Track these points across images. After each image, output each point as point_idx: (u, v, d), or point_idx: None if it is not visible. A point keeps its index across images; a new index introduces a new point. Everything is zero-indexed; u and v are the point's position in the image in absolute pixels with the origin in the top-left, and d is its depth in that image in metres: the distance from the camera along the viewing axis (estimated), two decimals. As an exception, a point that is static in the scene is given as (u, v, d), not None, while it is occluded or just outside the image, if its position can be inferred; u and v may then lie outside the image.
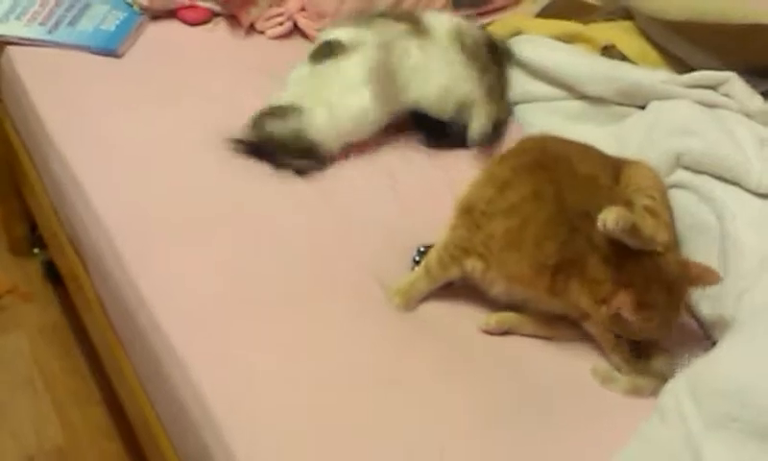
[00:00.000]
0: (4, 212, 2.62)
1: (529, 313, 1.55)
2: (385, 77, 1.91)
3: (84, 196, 1.84)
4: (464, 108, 1.94)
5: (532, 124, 2.03)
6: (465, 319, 1.58)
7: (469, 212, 1.57)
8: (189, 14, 2.34)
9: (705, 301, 1.57)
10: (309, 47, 2.06)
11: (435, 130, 1.98)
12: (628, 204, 1.50)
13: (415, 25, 1.99)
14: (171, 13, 2.34)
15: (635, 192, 1.54)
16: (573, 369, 1.50)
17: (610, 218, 1.37)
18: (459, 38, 2.00)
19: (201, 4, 2.33)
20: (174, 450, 1.58)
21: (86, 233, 1.85)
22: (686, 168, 1.74)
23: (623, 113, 1.93)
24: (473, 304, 1.60)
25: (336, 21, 2.16)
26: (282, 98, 1.95)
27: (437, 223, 1.65)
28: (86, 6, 2.32)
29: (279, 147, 1.87)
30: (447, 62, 1.96)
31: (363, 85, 1.90)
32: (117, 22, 2.27)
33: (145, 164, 1.88)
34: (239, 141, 1.90)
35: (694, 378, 1.36)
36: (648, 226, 1.46)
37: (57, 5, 2.30)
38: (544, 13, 2.34)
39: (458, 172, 1.81)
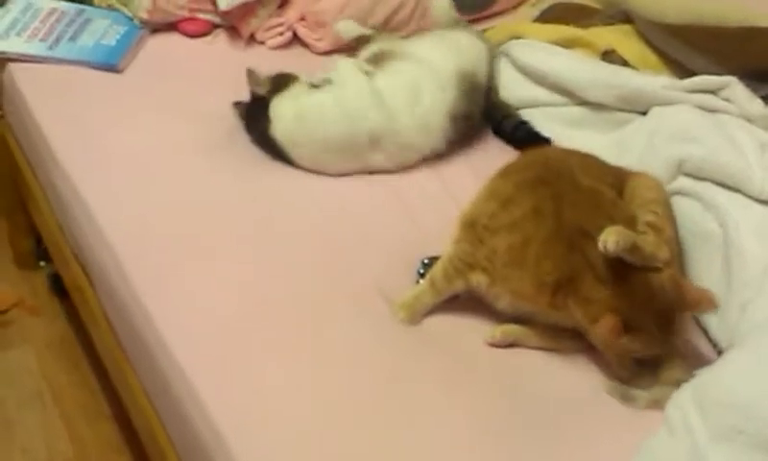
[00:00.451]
0: (9, 226, 2.63)
1: (534, 326, 1.56)
2: None
3: (88, 212, 1.85)
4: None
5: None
6: (470, 332, 1.59)
7: (473, 227, 1.58)
8: (189, 27, 2.35)
9: (709, 309, 1.57)
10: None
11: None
12: (631, 219, 1.51)
13: None
14: (171, 26, 2.35)
15: (638, 207, 1.54)
16: (578, 382, 1.51)
17: (610, 239, 1.38)
18: None
19: (201, 16, 2.34)
20: (183, 466, 1.59)
21: (91, 250, 1.86)
22: (688, 175, 1.74)
23: (624, 119, 1.93)
24: (478, 317, 1.61)
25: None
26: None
27: (441, 236, 1.65)
28: (87, 21, 2.32)
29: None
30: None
31: None
32: (118, 37, 2.28)
33: (149, 180, 1.89)
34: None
35: (700, 391, 1.36)
36: (649, 243, 1.46)
37: (57, 21, 2.31)
38: (543, 18, 2.35)
39: (461, 185, 1.82)
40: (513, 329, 1.56)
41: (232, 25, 2.34)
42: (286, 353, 1.53)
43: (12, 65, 2.23)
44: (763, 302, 1.51)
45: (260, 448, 1.40)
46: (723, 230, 1.63)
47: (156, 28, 2.34)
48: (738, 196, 1.67)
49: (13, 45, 2.25)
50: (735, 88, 1.85)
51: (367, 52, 2.11)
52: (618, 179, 1.62)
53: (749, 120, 1.82)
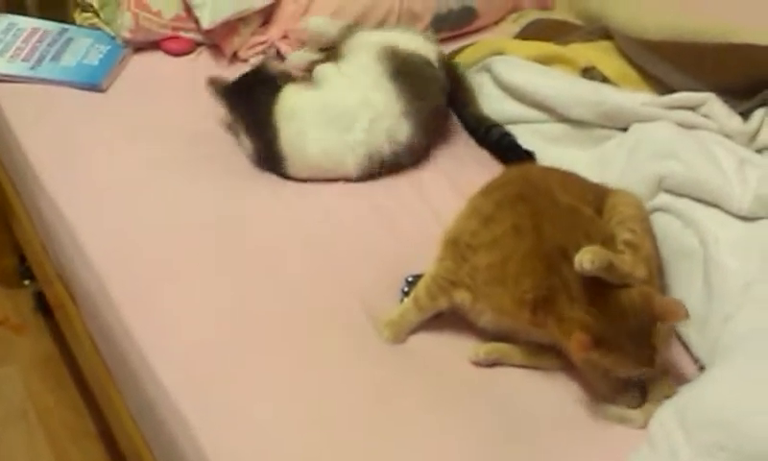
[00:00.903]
0: (-7, 245, 2.63)
1: (518, 343, 1.57)
2: None
3: (72, 234, 1.85)
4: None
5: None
6: (454, 349, 1.59)
7: (455, 244, 1.59)
8: (172, 45, 2.35)
9: (691, 325, 1.58)
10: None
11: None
12: (609, 237, 1.52)
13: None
14: (154, 45, 2.36)
15: (617, 225, 1.55)
16: (562, 399, 1.51)
17: (585, 259, 1.39)
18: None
19: (183, 35, 2.35)
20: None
21: (75, 272, 1.86)
22: (668, 191, 1.75)
23: (605, 136, 1.95)
24: (463, 335, 1.61)
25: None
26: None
27: (424, 253, 1.66)
28: (69, 40, 2.33)
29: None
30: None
31: None
32: (100, 56, 2.28)
33: (132, 200, 1.89)
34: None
35: (682, 408, 1.37)
36: (626, 262, 1.47)
37: (39, 41, 2.31)
38: (524, 34, 2.36)
39: (444, 203, 1.83)
40: (496, 348, 1.57)
41: (215, 43, 2.35)
42: (271, 374, 1.54)
43: (-7, 86, 2.23)
44: (744, 317, 1.52)
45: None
46: (703, 246, 1.64)
47: (139, 47, 2.35)
48: (718, 212, 1.68)
49: (-5, 66, 2.25)
50: (714, 105, 1.87)
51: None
52: (598, 196, 1.63)
53: (728, 136, 1.84)
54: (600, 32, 2.23)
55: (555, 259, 1.46)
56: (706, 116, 1.87)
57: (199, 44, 2.37)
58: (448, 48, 2.35)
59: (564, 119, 2.01)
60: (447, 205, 1.76)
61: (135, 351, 1.62)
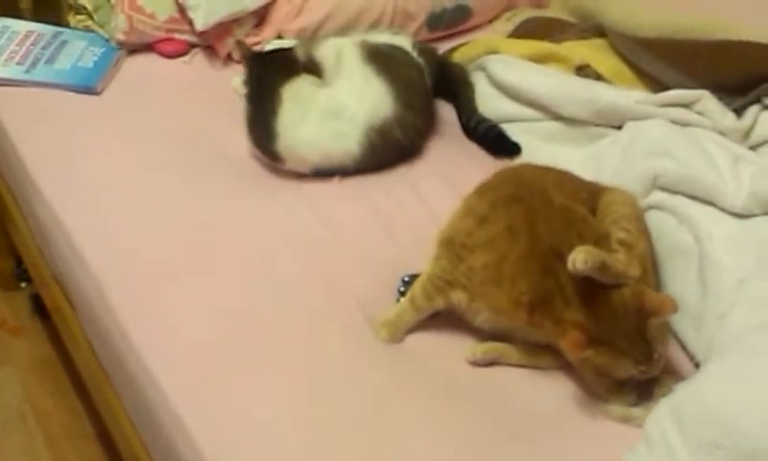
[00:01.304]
0: (-11, 247, 2.63)
1: (514, 342, 1.57)
2: None
3: (69, 238, 1.85)
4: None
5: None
6: (451, 349, 1.60)
7: (450, 244, 1.59)
8: (166, 47, 2.35)
9: (687, 323, 1.59)
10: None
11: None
12: (603, 237, 1.53)
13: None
14: (148, 47, 2.36)
15: (611, 224, 1.56)
16: (560, 399, 1.52)
17: (579, 259, 1.40)
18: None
19: (177, 36, 2.35)
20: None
21: (72, 275, 1.87)
22: (663, 189, 1.76)
23: (599, 134, 1.96)
24: (459, 334, 1.62)
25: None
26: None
27: (420, 253, 1.66)
28: (63, 43, 2.33)
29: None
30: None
31: None
32: (95, 58, 2.28)
33: (128, 202, 1.90)
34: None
35: (678, 406, 1.38)
36: (619, 261, 1.48)
37: (34, 44, 2.31)
38: (518, 33, 2.37)
39: (439, 203, 1.83)
40: (493, 347, 1.58)
41: (209, 44, 2.35)
42: (269, 376, 1.54)
43: (-12, 89, 2.23)
44: (738, 314, 1.53)
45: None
46: (697, 244, 1.65)
47: (134, 49, 2.35)
48: (712, 209, 1.69)
49: (-10, 69, 2.25)
50: (708, 102, 1.88)
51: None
52: (592, 194, 1.64)
53: (721, 133, 1.84)
54: (594, 29, 2.24)
55: (550, 260, 1.47)
56: (700, 114, 1.88)
57: (193, 46, 2.37)
58: (443, 47, 2.37)
59: (558, 117, 2.01)
60: (443, 204, 1.76)
61: (133, 354, 1.62)
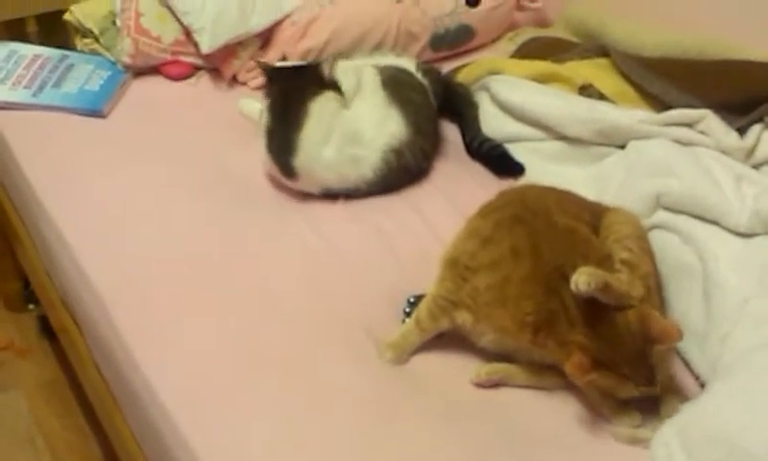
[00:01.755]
0: (-2, 269, 2.64)
1: (519, 363, 1.58)
2: None
3: (74, 259, 1.86)
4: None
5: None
6: (457, 370, 1.60)
7: (455, 265, 1.60)
8: (172, 70, 2.37)
9: (691, 342, 1.59)
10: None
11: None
12: (606, 257, 1.53)
13: None
14: (154, 70, 2.38)
15: (613, 243, 1.56)
16: (565, 419, 1.52)
17: (581, 280, 1.40)
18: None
19: (183, 59, 2.37)
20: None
21: (78, 297, 1.87)
22: (667, 208, 1.76)
23: (603, 153, 1.96)
24: (465, 355, 1.62)
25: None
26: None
27: (425, 274, 1.67)
28: (70, 67, 2.34)
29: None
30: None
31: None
32: (101, 82, 2.30)
33: (134, 226, 1.90)
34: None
35: (684, 426, 1.38)
36: (622, 281, 1.48)
37: (41, 67, 2.33)
38: (521, 53, 2.38)
39: (443, 223, 1.84)
40: (498, 368, 1.58)
41: (215, 67, 2.37)
42: (274, 397, 1.54)
43: (-5, 114, 2.24)
44: (742, 333, 1.53)
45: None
46: (702, 263, 1.65)
47: (140, 71, 2.37)
48: (716, 229, 1.69)
49: (-3, 93, 2.26)
50: (711, 121, 1.88)
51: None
52: (595, 214, 1.64)
53: (725, 153, 1.85)
54: (597, 49, 2.25)
55: (553, 281, 1.47)
56: (703, 133, 1.89)
57: (198, 68, 2.40)
58: (446, 67, 2.38)
59: (561, 137, 2.02)
60: (447, 225, 1.77)
61: (137, 375, 1.63)
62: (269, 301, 1.72)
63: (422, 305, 1.63)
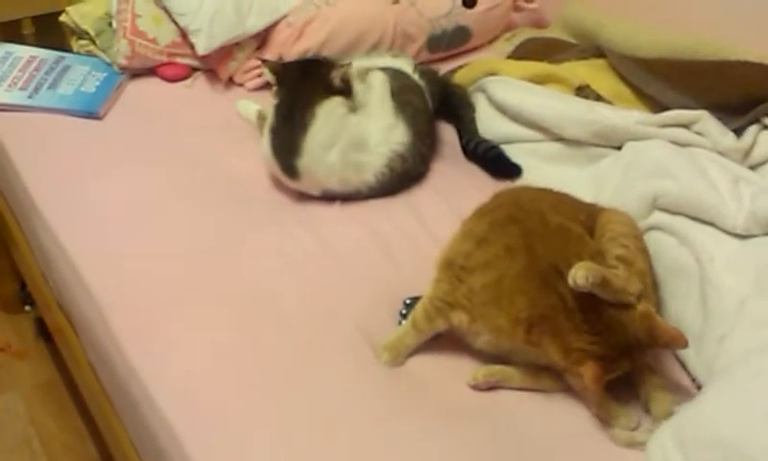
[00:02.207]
0: (-6, 271, 2.64)
1: (516, 365, 1.58)
2: None
3: (71, 262, 1.86)
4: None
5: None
6: (453, 371, 1.60)
7: (450, 266, 1.60)
8: (168, 71, 2.37)
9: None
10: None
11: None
12: (598, 254, 1.53)
13: None
14: (150, 71, 2.38)
15: (609, 241, 1.56)
16: (562, 421, 1.52)
17: (579, 275, 1.40)
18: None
19: (179, 60, 2.37)
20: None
21: (74, 300, 1.87)
22: (663, 210, 1.76)
23: (600, 154, 1.96)
24: (461, 357, 1.62)
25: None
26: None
27: (421, 275, 1.67)
28: (66, 68, 2.34)
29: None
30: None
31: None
32: (97, 83, 2.30)
33: (130, 228, 1.90)
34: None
35: (680, 428, 1.37)
36: (620, 277, 1.48)
37: (36, 69, 2.33)
38: (518, 53, 2.38)
39: (440, 225, 1.83)
40: (495, 370, 1.58)
41: (211, 68, 2.37)
42: (271, 401, 1.54)
43: (-9, 115, 2.24)
44: (740, 335, 1.53)
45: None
46: (698, 265, 1.65)
47: (136, 73, 2.37)
48: (713, 230, 1.69)
49: (-8, 95, 2.26)
50: (708, 122, 1.88)
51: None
52: (590, 215, 1.64)
53: (721, 153, 1.85)
54: (594, 50, 2.25)
55: (549, 277, 1.47)
56: (699, 134, 1.89)
57: (195, 69, 2.40)
58: (443, 69, 2.38)
59: (558, 138, 2.02)
60: (443, 226, 1.76)
61: (134, 378, 1.62)
62: (265, 302, 1.72)
63: (419, 307, 1.63)
